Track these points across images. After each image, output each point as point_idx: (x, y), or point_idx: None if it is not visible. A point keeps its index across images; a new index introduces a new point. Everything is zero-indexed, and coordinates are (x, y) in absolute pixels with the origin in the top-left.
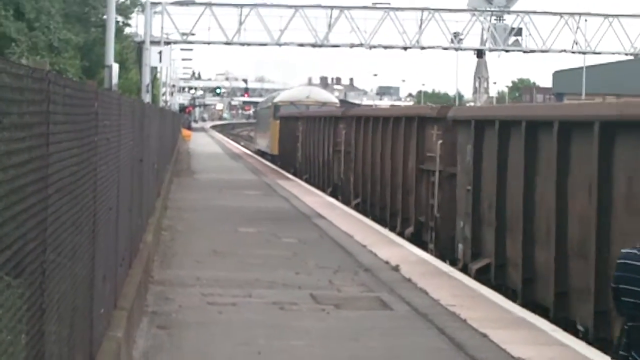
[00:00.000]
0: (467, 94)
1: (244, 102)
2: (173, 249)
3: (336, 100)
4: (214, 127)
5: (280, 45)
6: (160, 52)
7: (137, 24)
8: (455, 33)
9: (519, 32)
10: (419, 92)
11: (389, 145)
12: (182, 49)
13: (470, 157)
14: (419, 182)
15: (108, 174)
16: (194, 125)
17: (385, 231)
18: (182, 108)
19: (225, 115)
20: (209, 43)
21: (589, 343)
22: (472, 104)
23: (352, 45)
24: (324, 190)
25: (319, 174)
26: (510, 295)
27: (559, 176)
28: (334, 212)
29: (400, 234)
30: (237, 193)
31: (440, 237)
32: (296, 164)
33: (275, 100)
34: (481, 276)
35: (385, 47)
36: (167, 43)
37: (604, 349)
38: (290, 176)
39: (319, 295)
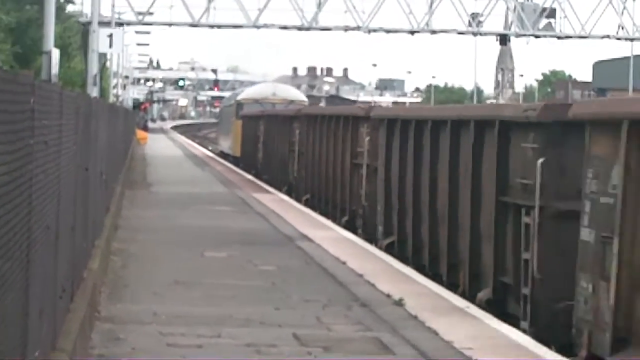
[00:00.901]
0: (488, 89)
1: (213, 98)
2: (125, 277)
3: (304, 98)
4: (175, 127)
5: (258, 27)
6: (110, 36)
7: (82, 1)
8: (473, 14)
9: (552, 13)
10: (429, 86)
11: (331, 143)
12: (137, 32)
13: (383, 152)
14: (353, 175)
15: (46, 186)
16: (151, 125)
17: (385, 256)
18: (137, 104)
19: (192, 113)
20: (170, 25)
21: None
22: (493, 101)
23: (346, 29)
24: (280, 189)
25: (277, 174)
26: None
27: (450, 169)
28: (323, 234)
29: (339, 223)
30: (204, 209)
31: (367, 222)
32: (257, 165)
33: (239, 98)
34: (388, 250)
35: (388, 32)
36: (120, 24)
37: None
38: (269, 188)
39: (304, 335)
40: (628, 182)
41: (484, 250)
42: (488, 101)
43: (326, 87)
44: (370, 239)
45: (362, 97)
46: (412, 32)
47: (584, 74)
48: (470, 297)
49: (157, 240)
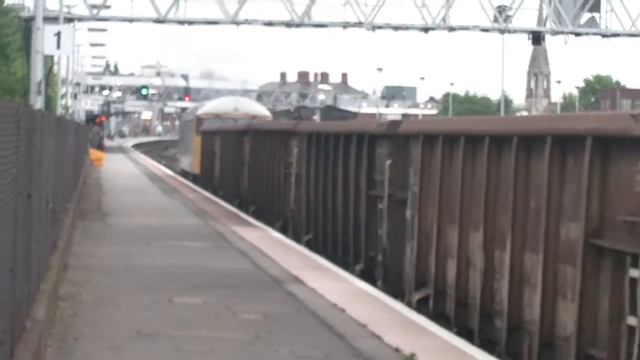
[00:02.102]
0: (519, 98)
1: (184, 110)
2: (76, 328)
3: (268, 114)
4: (138, 146)
5: (237, 24)
6: (58, 34)
7: None
8: (500, 7)
9: (596, 6)
10: (446, 95)
11: (271, 155)
12: (91, 30)
13: (304, 162)
14: (286, 183)
15: None
16: (108, 143)
17: (393, 302)
18: (91, 117)
19: (158, 128)
20: (131, 21)
21: None
22: (524, 113)
23: (346, 25)
24: (231, 203)
25: (231, 190)
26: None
27: (344, 171)
28: (318, 275)
29: (270, 225)
30: (173, 246)
31: (295, 223)
32: (214, 182)
33: (199, 112)
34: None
35: (396, 28)
36: (69, 20)
37: None
38: (252, 221)
39: None
40: (423, 178)
41: (360, 230)
42: (518, 113)
43: (321, 97)
44: (296, 236)
45: (365, 108)
46: (426, 30)
47: (635, 80)
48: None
49: (115, 282)
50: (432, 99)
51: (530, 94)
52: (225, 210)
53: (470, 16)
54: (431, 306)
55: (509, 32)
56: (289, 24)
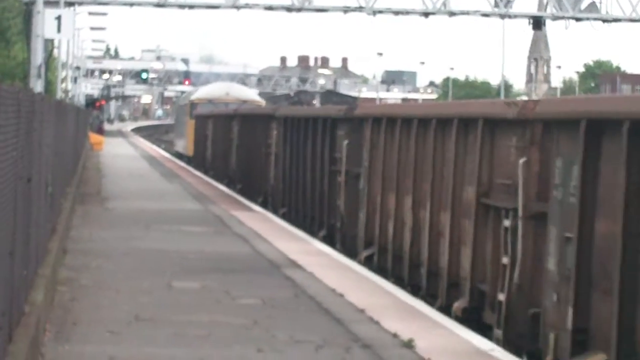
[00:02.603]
0: (519, 83)
1: (184, 93)
2: (75, 313)
3: (259, 99)
4: (138, 130)
5: (238, 8)
6: (58, 18)
7: None
8: None
9: None
10: (446, 79)
11: (254, 138)
12: (91, 14)
13: (281, 144)
14: (267, 161)
15: None
16: (107, 127)
17: (392, 287)
18: (91, 101)
19: (158, 112)
20: (131, 5)
21: None
22: (524, 97)
23: (346, 10)
24: (221, 181)
25: (220, 169)
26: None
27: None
28: (316, 260)
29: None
30: (173, 230)
31: (274, 197)
32: (206, 164)
33: (192, 97)
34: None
35: (397, 13)
36: (70, 4)
37: None
38: (252, 206)
39: None
40: (372, 155)
41: (324, 201)
42: (519, 98)
43: (321, 81)
44: (274, 210)
45: (365, 92)
46: (426, 14)
47: (636, 65)
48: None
49: (114, 267)
50: (432, 84)
51: (530, 79)
52: (224, 194)
53: (471, 1)
54: (375, 261)
55: (510, 17)
56: (289, 9)
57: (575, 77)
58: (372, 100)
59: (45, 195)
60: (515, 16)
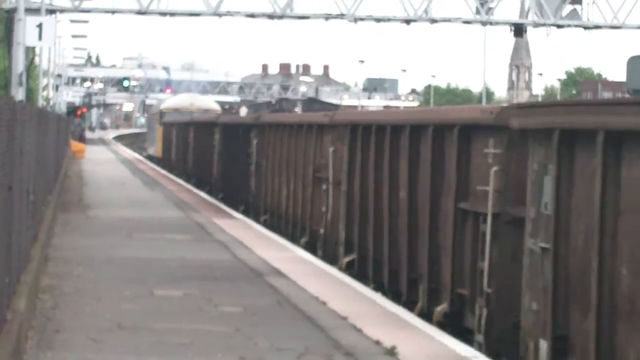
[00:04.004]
0: (500, 91)
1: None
2: (57, 320)
3: (218, 108)
4: (119, 138)
5: (219, 16)
6: (39, 25)
7: None
8: (482, 0)
9: None
10: (427, 87)
11: (202, 142)
12: (73, 21)
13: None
14: (211, 157)
15: None
16: (89, 135)
17: (374, 295)
18: (72, 109)
19: (141, 120)
20: (113, 12)
21: None
22: (505, 104)
23: (327, 17)
24: (180, 177)
25: (181, 169)
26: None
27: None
28: (299, 267)
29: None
30: (154, 238)
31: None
32: (171, 163)
33: (162, 107)
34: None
35: (378, 20)
36: (51, 12)
37: None
38: (234, 213)
39: None
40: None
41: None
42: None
43: (303, 89)
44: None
45: (347, 100)
46: (408, 21)
47: (617, 72)
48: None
49: (96, 275)
50: (413, 91)
51: (512, 86)
52: (206, 201)
53: (452, 8)
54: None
55: (491, 24)
56: (271, 16)
57: (557, 85)
58: (354, 107)
59: (27, 203)
60: (497, 23)
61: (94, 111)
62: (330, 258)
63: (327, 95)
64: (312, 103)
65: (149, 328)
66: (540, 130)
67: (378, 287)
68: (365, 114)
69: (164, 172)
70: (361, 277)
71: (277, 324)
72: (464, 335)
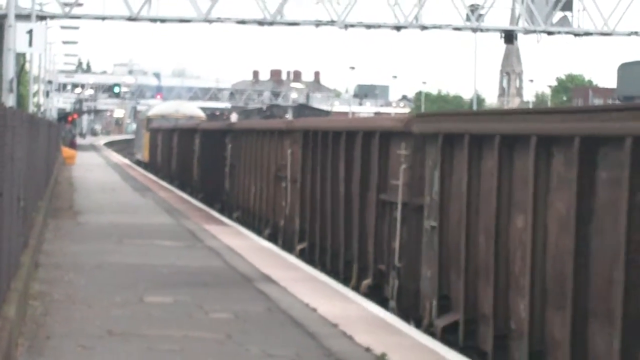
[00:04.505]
0: (491, 97)
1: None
2: (47, 327)
3: (202, 114)
4: (110, 144)
5: (210, 22)
6: (30, 32)
7: None
8: (472, 6)
9: (568, 5)
10: (418, 93)
11: (182, 147)
12: (63, 27)
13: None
14: (192, 161)
15: None
16: (80, 141)
17: (365, 302)
18: (63, 116)
19: (132, 126)
20: (103, 19)
21: None
22: None
23: (318, 24)
24: (164, 179)
25: (166, 170)
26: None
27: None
28: (290, 274)
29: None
30: (145, 244)
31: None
32: (157, 167)
33: (149, 114)
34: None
35: (368, 27)
36: (42, 18)
37: None
38: (223, 219)
39: None
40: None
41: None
42: None
43: (294, 95)
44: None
45: (338, 106)
46: (398, 28)
47: (607, 79)
48: None
49: (87, 281)
50: (404, 98)
51: (502, 92)
52: (197, 207)
53: (443, 15)
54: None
55: (482, 30)
56: (261, 22)
57: (548, 91)
58: (345, 114)
59: (17, 210)
60: (487, 30)
61: (85, 117)
62: (288, 246)
63: (318, 102)
64: (303, 109)
65: (140, 334)
66: (431, 134)
67: (323, 269)
68: (314, 122)
69: (154, 178)
70: (311, 262)
71: (268, 330)
72: (384, 303)
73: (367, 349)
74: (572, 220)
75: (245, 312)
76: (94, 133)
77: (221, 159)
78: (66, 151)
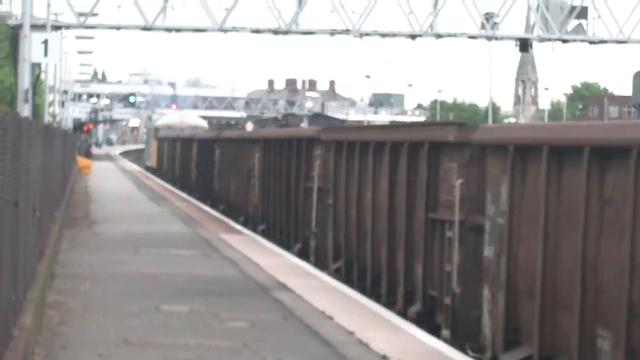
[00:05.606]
0: (506, 105)
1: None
2: (64, 336)
3: (205, 125)
4: (126, 153)
5: (225, 31)
6: (45, 42)
7: (10, 0)
8: (487, 14)
9: (583, 13)
10: (434, 102)
11: (185, 154)
12: (78, 37)
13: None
14: (189, 166)
15: None
16: (95, 150)
17: (380, 309)
18: (79, 125)
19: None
20: (119, 28)
21: None
22: (512, 120)
23: (333, 32)
24: (170, 183)
25: (170, 175)
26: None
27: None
28: (305, 282)
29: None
30: (161, 253)
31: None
32: (163, 172)
33: (156, 124)
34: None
35: (383, 35)
36: (57, 28)
37: None
38: (239, 227)
39: None
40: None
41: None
42: (506, 120)
43: (309, 104)
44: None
45: (353, 115)
46: (413, 37)
47: (623, 87)
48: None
49: (103, 291)
50: (419, 106)
51: (517, 100)
52: (213, 217)
53: (458, 23)
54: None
55: (496, 39)
56: (276, 32)
57: (563, 99)
58: (360, 122)
59: (33, 220)
60: (502, 38)
61: (101, 127)
62: (234, 217)
63: (334, 111)
64: (318, 118)
65: (156, 343)
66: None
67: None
68: (270, 132)
69: (170, 187)
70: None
71: (284, 338)
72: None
73: (384, 357)
74: None
75: (261, 320)
76: (109, 143)
77: (211, 163)
78: (81, 161)
